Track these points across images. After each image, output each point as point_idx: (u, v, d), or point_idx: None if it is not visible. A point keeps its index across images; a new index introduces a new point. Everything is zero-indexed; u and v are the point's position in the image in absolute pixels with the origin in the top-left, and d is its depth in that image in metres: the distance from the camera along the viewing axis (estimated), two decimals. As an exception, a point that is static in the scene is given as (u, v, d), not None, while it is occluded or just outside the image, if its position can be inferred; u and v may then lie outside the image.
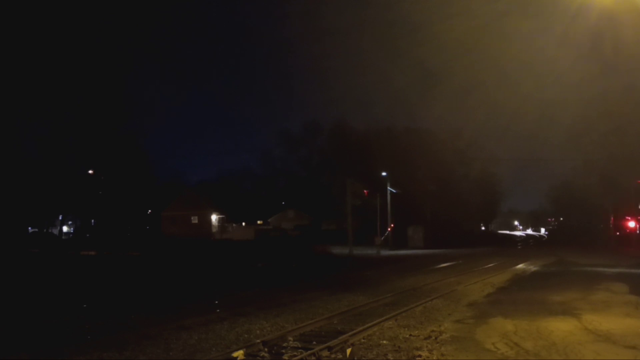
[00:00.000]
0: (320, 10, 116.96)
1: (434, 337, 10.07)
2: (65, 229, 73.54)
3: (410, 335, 10.39)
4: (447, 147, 72.49)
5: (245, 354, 8.84)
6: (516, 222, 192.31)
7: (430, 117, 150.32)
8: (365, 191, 51.64)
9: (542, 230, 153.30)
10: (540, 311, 12.74)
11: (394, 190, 54.79)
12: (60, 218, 69.66)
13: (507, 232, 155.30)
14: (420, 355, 8.73)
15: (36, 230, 65.58)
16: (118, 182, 62.14)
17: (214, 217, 68.22)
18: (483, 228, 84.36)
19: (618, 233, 64.04)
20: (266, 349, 9.26)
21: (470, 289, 18.37)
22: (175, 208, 68.05)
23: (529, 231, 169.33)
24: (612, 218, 66.29)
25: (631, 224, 59.06)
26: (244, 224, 73.08)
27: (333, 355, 8.84)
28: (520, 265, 30.65)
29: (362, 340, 9.91)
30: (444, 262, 33.49)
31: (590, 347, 9.05)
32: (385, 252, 46.99)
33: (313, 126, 79.39)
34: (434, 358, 8.60)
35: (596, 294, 16.23)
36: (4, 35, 54.18)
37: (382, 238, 53.50)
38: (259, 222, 74.63)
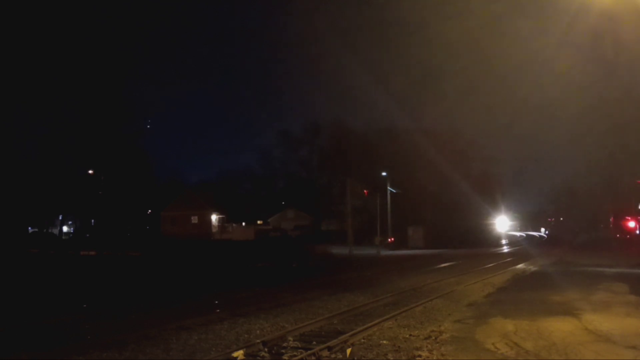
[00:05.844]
0: (320, 10, 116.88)
1: (434, 337, 10.05)
2: (65, 229, 73.49)
3: (410, 335, 10.38)
4: (447, 147, 72.43)
5: (245, 354, 8.83)
6: (516, 223, 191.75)
7: (430, 117, 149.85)
8: (365, 191, 51.63)
9: (542, 230, 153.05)
10: (541, 311, 12.72)
11: (394, 190, 54.79)
12: (60, 218, 69.64)
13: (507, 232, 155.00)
14: (420, 355, 8.71)
15: (36, 230, 65.58)
16: (118, 182, 62.08)
17: (214, 217, 68.14)
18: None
19: (618, 234, 64.06)
20: (266, 349, 9.25)
21: (470, 289, 18.36)
22: (175, 208, 67.97)
23: (530, 231, 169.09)
24: (612, 218, 66.37)
25: (631, 224, 59.11)
26: (244, 224, 72.94)
27: (333, 355, 8.82)
28: (520, 265, 30.65)
29: (362, 340, 9.89)
30: (444, 262, 33.49)
31: (591, 347, 9.03)
32: (386, 252, 47.04)
33: (313, 126, 79.28)
34: (434, 358, 8.58)
35: (596, 294, 16.20)
36: (4, 35, 54.32)
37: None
38: (259, 222, 74.50)
